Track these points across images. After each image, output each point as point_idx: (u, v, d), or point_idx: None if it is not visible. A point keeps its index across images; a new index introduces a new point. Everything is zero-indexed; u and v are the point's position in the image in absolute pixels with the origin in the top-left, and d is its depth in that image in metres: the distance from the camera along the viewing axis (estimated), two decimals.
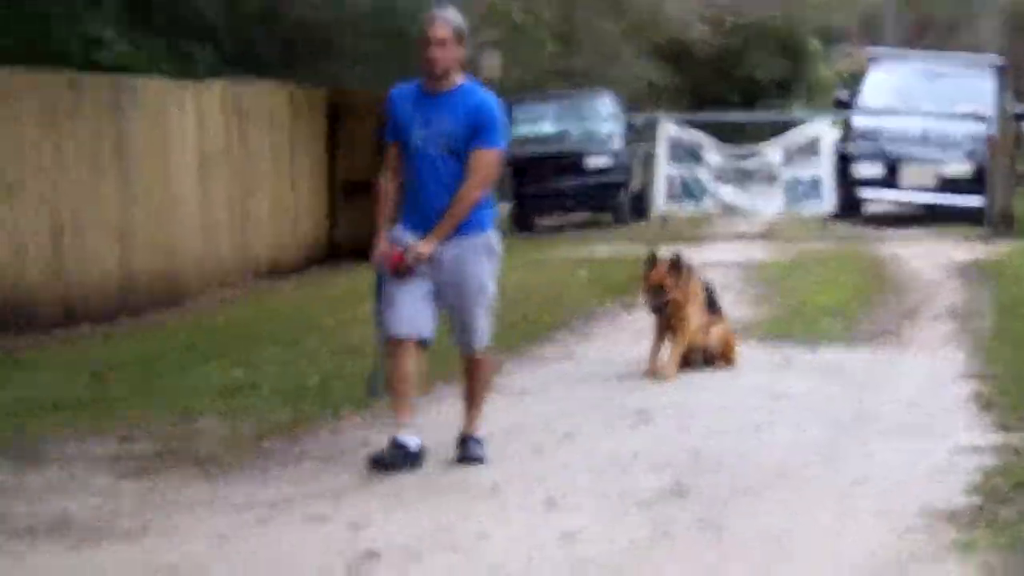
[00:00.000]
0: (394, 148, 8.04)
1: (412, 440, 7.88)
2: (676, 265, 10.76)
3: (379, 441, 8.24)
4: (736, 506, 7.13)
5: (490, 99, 7.97)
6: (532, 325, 12.98)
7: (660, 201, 22.80)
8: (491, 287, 8.04)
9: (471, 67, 20.78)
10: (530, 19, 25.94)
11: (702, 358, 10.95)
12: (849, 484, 7.59)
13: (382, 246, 7.93)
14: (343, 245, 19.98)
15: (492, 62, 21.00)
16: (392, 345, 7.93)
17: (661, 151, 22.48)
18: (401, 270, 7.81)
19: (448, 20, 7.85)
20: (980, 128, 22.44)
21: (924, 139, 23.77)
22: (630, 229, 23.56)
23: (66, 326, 13.99)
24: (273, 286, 17.57)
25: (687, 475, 7.73)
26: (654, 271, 10.76)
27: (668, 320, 10.75)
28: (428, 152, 7.85)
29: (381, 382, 8.14)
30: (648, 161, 26.03)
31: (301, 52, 21.74)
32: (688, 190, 22.24)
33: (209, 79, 17.63)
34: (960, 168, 23.12)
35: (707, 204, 22.55)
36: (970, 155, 23.02)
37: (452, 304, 8.00)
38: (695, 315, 10.81)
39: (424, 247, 7.77)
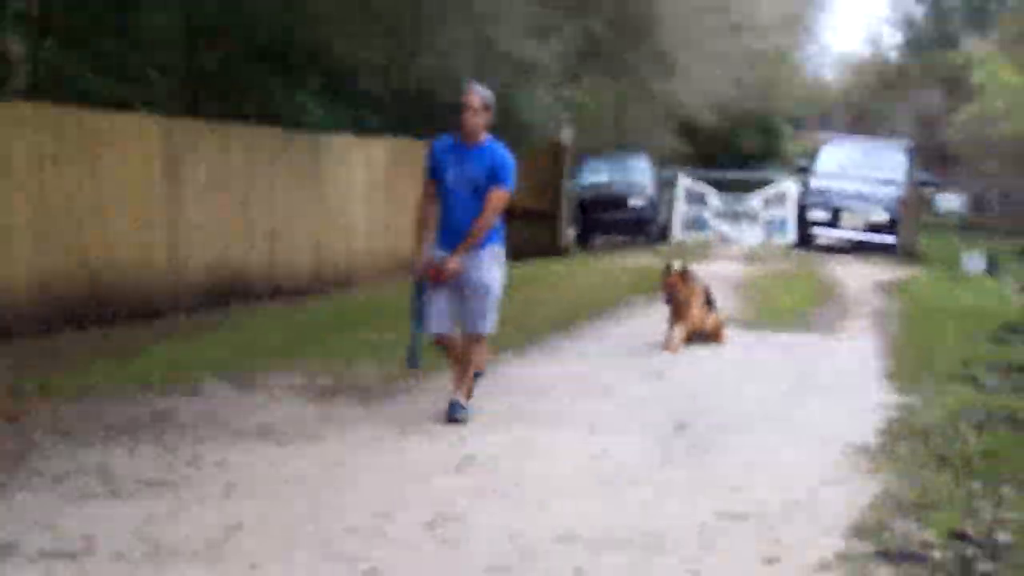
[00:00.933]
0: (431, 184, 7.57)
1: (461, 401, 7.56)
2: (683, 273, 10.80)
3: (482, 382, 8.07)
4: (720, 438, 7.15)
5: (506, 153, 7.50)
6: (584, 310, 12.99)
7: (677, 230, 22.78)
8: (497, 288, 7.55)
9: (555, 136, 20.88)
10: (594, 105, 25.93)
11: (701, 338, 10.94)
12: (799, 423, 7.61)
13: (425, 261, 7.45)
14: None
15: (567, 133, 21.00)
16: (438, 339, 7.62)
17: (679, 196, 22.43)
18: (439, 279, 7.42)
19: (479, 91, 7.47)
20: (894, 190, 22.37)
21: (857, 196, 23.85)
22: (656, 249, 23.56)
23: (273, 299, 14.15)
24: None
25: (687, 415, 7.75)
26: (669, 277, 10.80)
27: (677, 310, 10.77)
28: (458, 190, 7.43)
29: (416, 356, 7.60)
30: (670, 202, 25.99)
31: (442, 118, 21.79)
32: (696, 224, 22.22)
33: (376, 136, 17.75)
34: (881, 216, 23.11)
35: (709, 234, 22.46)
36: (887, 208, 23.02)
37: (466, 297, 7.45)
38: (696, 307, 10.82)
39: (454, 264, 7.34)
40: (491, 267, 7.53)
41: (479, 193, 7.42)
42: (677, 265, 11.03)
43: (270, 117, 15.55)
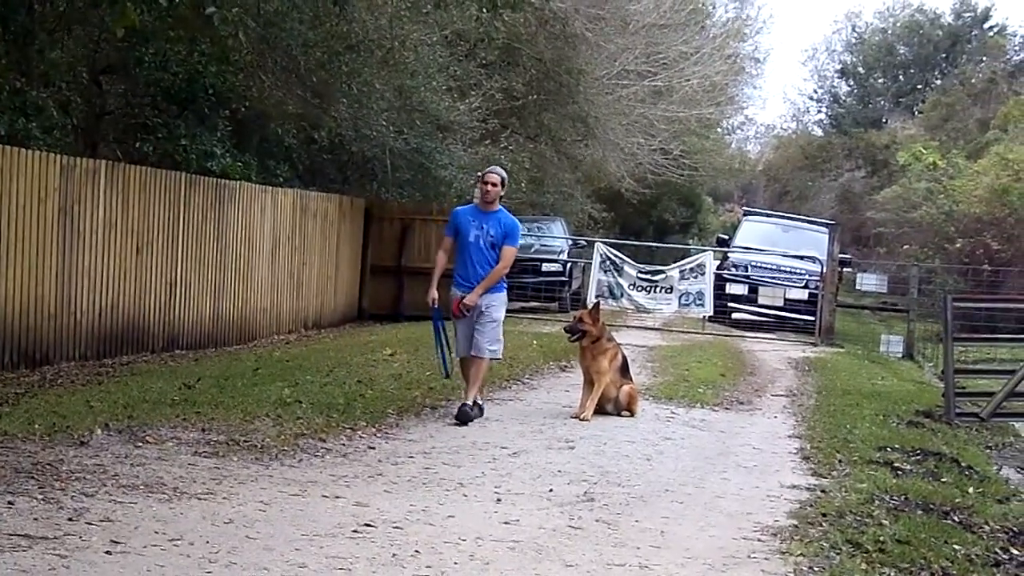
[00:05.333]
0: (449, 240, 10.45)
1: (470, 404, 10.06)
2: (595, 308, 11.53)
3: (383, 446, 8.66)
4: (629, 510, 7.20)
5: (515, 220, 10.53)
6: (496, 378, 13.00)
7: (592, 297, 22.94)
8: (501, 322, 10.39)
9: (469, 195, 20.95)
10: (511, 165, 26.13)
11: (614, 408, 11.01)
12: (709, 500, 7.67)
13: (446, 298, 10.28)
14: (368, 310, 20.18)
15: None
16: (461, 359, 10.42)
17: (594, 263, 22.59)
18: (458, 312, 10.16)
19: (498, 172, 10.48)
20: (815, 267, 22.71)
21: (776, 271, 24.15)
22: (569, 315, 23.66)
23: (169, 351, 14.01)
24: (317, 335, 17.59)
25: (596, 486, 7.81)
26: (581, 311, 11.38)
27: (589, 375, 10.88)
28: (479, 244, 10.27)
29: (446, 369, 10.82)
30: (585, 269, 26.22)
31: (352, 172, 21.87)
32: (611, 292, 22.34)
33: (284, 187, 17.72)
34: (799, 293, 23.42)
35: (624, 303, 22.61)
36: (807, 285, 23.32)
37: (479, 328, 10.19)
38: (609, 374, 10.93)
39: (472, 299, 10.16)
40: (500, 307, 10.41)
41: (495, 249, 10.29)
42: (589, 303, 11.26)
43: (174, 161, 15.45)
